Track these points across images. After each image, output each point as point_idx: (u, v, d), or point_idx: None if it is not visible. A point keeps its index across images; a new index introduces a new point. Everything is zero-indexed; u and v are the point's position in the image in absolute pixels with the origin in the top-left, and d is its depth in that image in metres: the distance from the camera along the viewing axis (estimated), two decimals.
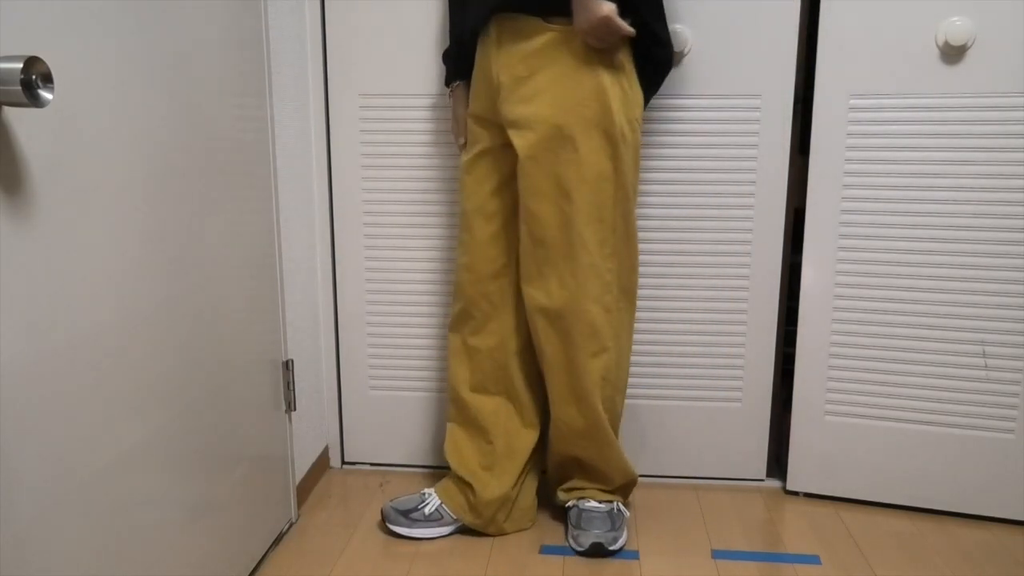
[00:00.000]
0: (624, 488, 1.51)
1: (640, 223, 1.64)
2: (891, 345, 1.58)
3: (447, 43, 1.57)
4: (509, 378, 1.48)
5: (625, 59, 1.32)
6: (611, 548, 1.41)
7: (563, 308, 1.36)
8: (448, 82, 1.53)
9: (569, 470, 1.52)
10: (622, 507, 1.49)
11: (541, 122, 1.29)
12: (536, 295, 1.38)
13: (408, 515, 1.49)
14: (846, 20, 1.49)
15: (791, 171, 1.61)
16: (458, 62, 1.48)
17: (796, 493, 1.70)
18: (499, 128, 1.38)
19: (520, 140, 1.31)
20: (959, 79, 1.47)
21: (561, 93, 1.29)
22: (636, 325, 1.68)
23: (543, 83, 1.29)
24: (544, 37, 1.29)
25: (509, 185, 1.41)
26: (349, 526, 1.56)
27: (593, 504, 1.47)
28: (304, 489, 1.64)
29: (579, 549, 1.42)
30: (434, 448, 1.80)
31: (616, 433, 1.48)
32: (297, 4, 1.55)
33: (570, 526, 1.47)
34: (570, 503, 1.50)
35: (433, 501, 1.50)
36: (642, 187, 1.62)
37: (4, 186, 0.76)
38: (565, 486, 1.53)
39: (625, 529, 1.47)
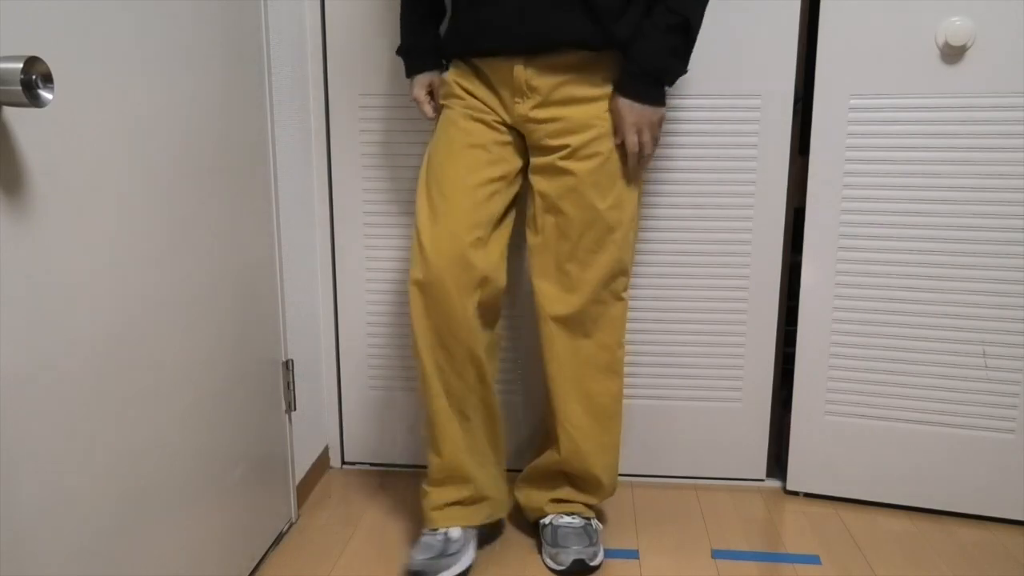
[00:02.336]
0: (604, 499, 1.50)
1: (640, 222, 1.64)
2: (891, 345, 1.58)
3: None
4: None
5: None
6: (592, 564, 1.39)
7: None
8: (429, 68, 1.44)
9: (557, 480, 1.48)
10: (597, 522, 1.47)
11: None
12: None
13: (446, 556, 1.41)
14: (846, 20, 1.49)
15: (791, 171, 1.61)
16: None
17: (796, 493, 1.70)
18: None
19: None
20: (959, 79, 1.47)
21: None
22: (636, 325, 1.68)
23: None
24: (579, 56, 1.30)
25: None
26: (349, 526, 1.55)
27: (568, 520, 1.44)
28: (304, 489, 1.64)
29: (559, 568, 1.39)
30: None
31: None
32: (297, 4, 1.55)
33: (545, 544, 1.43)
34: (543, 521, 1.47)
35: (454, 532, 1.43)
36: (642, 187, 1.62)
37: (4, 186, 0.76)
38: (553, 496, 1.47)
39: (601, 544, 1.44)
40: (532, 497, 1.50)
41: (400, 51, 1.46)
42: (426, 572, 1.33)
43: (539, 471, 1.49)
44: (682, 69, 1.32)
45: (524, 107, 1.31)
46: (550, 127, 1.31)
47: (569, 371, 1.39)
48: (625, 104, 1.29)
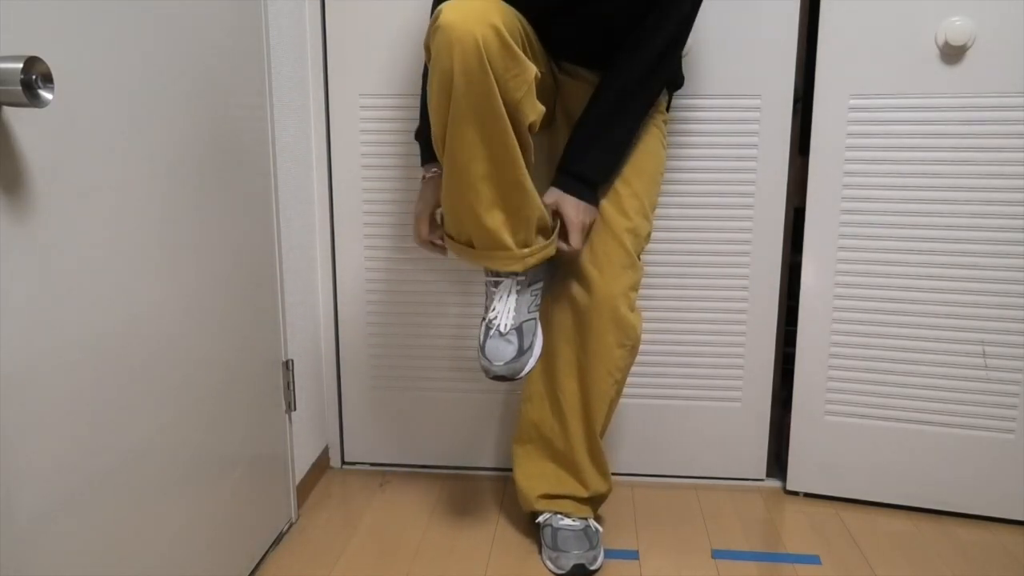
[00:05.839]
0: (597, 499, 1.48)
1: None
2: (891, 345, 1.58)
3: None
4: None
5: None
6: (592, 568, 1.39)
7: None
8: (426, 160, 1.38)
9: (544, 467, 1.48)
10: (596, 524, 1.47)
11: None
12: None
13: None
14: (846, 20, 1.49)
15: (791, 171, 1.61)
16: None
17: (796, 493, 1.70)
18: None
19: None
20: (959, 79, 1.47)
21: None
22: None
23: None
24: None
25: None
26: (349, 526, 1.56)
27: (568, 522, 1.44)
28: (304, 489, 1.64)
29: (560, 572, 1.39)
30: (434, 448, 1.80)
31: (603, 432, 1.46)
32: (297, 4, 1.55)
33: (546, 547, 1.43)
34: (543, 521, 1.46)
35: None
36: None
37: (4, 186, 0.76)
38: (542, 493, 1.47)
39: (601, 546, 1.44)
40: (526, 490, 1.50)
41: (418, 134, 1.41)
42: (506, 376, 1.30)
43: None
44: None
45: None
46: None
47: None
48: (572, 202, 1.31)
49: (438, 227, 1.37)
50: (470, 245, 1.26)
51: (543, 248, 1.28)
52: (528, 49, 1.23)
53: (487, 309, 1.34)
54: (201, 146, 1.14)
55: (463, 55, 1.09)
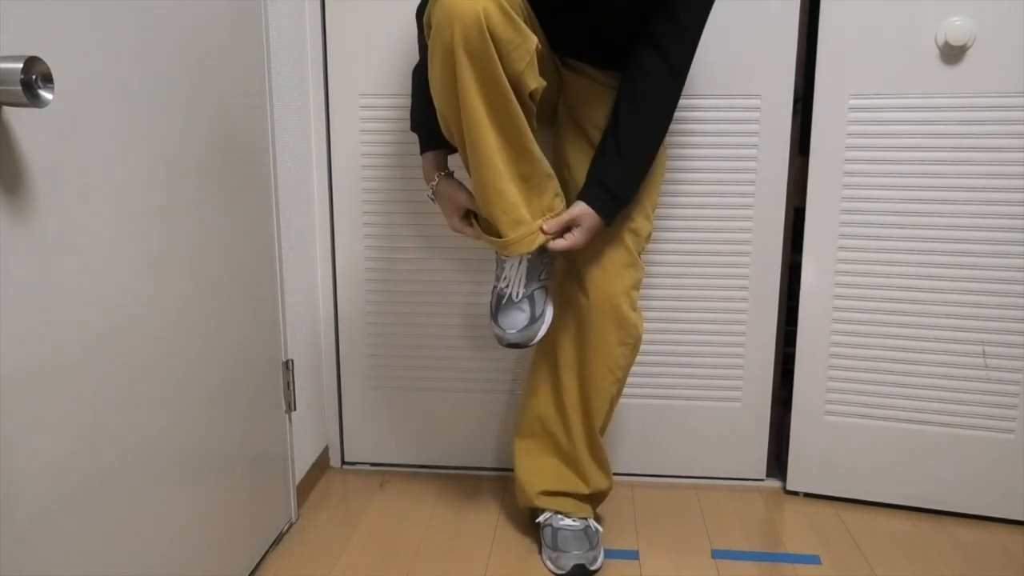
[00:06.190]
0: (598, 497, 1.48)
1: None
2: (891, 345, 1.58)
3: None
4: None
5: None
6: (592, 568, 1.39)
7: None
8: (424, 149, 1.35)
9: (547, 465, 1.48)
10: (596, 524, 1.47)
11: None
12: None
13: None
14: (846, 20, 1.49)
15: (791, 171, 1.61)
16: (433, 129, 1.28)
17: (796, 493, 1.70)
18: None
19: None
20: (959, 79, 1.47)
21: None
22: None
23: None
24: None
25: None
26: (349, 526, 1.56)
27: (568, 522, 1.44)
28: (304, 489, 1.64)
29: (560, 572, 1.39)
30: (434, 448, 1.80)
31: (604, 429, 1.46)
32: (297, 4, 1.55)
33: (546, 547, 1.43)
34: (543, 521, 1.46)
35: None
36: None
37: (4, 186, 0.76)
38: (543, 489, 1.47)
39: (601, 546, 1.44)
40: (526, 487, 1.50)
41: (414, 126, 1.37)
42: (519, 343, 1.31)
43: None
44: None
45: None
46: None
47: None
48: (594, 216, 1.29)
49: (471, 224, 1.35)
50: (499, 235, 1.25)
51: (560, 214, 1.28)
52: (528, 21, 1.22)
53: (498, 278, 1.34)
54: (201, 146, 1.14)
55: (464, 28, 1.08)
